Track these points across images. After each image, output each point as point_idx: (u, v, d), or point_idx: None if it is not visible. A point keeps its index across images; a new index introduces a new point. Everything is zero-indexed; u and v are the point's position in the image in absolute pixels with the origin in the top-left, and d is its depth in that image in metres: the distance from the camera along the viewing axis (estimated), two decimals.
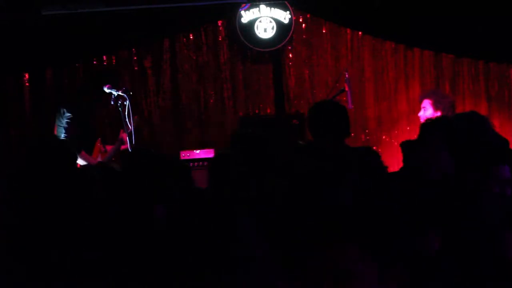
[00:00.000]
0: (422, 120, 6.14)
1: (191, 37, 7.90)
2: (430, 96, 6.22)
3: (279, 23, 7.76)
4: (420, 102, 6.26)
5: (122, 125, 5.89)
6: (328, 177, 3.13)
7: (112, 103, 5.89)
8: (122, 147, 6.18)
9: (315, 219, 2.46)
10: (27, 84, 7.67)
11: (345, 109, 4.38)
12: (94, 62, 7.76)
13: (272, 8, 7.77)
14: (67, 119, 5.96)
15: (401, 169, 3.71)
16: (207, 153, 7.00)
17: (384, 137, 7.96)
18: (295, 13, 7.81)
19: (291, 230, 2.61)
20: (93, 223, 3.08)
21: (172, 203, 3.27)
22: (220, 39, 7.89)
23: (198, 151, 7.09)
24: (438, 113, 6.11)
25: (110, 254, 2.96)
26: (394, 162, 7.90)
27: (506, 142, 3.58)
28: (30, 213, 3.14)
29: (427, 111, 6.15)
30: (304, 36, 7.93)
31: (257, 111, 7.95)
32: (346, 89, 6.60)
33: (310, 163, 3.34)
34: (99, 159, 6.06)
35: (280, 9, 7.77)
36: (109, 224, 3.10)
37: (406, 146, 3.65)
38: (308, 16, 7.94)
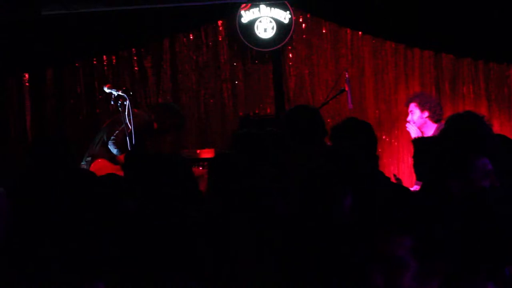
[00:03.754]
0: (412, 124, 6.18)
1: (191, 37, 7.90)
2: (415, 99, 6.28)
3: (279, 23, 7.77)
4: (407, 107, 6.31)
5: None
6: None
7: (112, 103, 5.90)
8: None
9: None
10: (27, 84, 7.67)
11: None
12: (94, 62, 7.77)
13: (272, 8, 7.77)
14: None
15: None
16: (207, 153, 7.00)
17: (384, 137, 7.96)
18: (295, 13, 7.81)
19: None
20: (93, 222, 3.09)
21: (171, 203, 3.27)
22: (220, 39, 7.89)
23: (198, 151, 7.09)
24: (426, 113, 6.15)
25: (109, 253, 2.96)
26: (393, 162, 7.94)
27: (505, 140, 3.58)
28: (31, 212, 3.14)
29: (414, 114, 6.19)
30: (304, 36, 7.93)
31: (257, 111, 7.95)
32: (346, 89, 6.61)
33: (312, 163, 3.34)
34: None
35: (280, 9, 7.77)
36: (108, 223, 3.11)
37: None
38: (308, 16, 7.94)
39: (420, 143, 4.16)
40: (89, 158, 6.32)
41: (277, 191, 3.32)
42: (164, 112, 6.51)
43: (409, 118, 6.25)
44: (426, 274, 2.06)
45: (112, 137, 6.15)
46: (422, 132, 6.15)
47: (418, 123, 6.16)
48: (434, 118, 6.15)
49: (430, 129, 6.08)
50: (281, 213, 3.16)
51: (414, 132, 6.17)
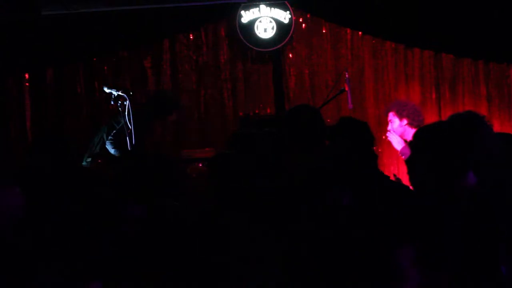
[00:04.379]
0: (393, 133, 6.17)
1: (191, 37, 7.90)
2: (392, 108, 6.25)
3: (279, 23, 7.77)
4: (386, 116, 6.29)
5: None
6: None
7: (112, 103, 5.90)
8: None
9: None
10: (27, 84, 7.67)
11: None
12: (94, 62, 7.76)
13: (272, 8, 7.77)
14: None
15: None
16: (207, 153, 6.99)
17: (384, 137, 7.95)
18: (295, 13, 7.81)
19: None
20: (93, 221, 3.09)
21: (170, 203, 3.27)
22: (220, 39, 7.90)
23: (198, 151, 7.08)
24: (405, 121, 6.13)
25: (109, 253, 2.96)
26: (393, 162, 7.94)
27: (508, 139, 3.57)
28: (31, 212, 3.14)
29: (394, 123, 6.18)
30: (304, 36, 7.93)
31: (257, 111, 7.95)
32: (346, 89, 6.60)
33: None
34: None
35: (280, 9, 7.78)
36: (108, 223, 3.11)
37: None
38: (308, 16, 7.94)
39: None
40: (89, 159, 6.32)
41: (277, 191, 3.32)
42: (159, 97, 6.54)
43: (389, 127, 6.25)
44: (428, 281, 2.06)
45: (110, 137, 6.15)
46: (404, 140, 6.14)
47: (398, 131, 6.17)
48: (414, 124, 6.14)
49: (411, 136, 6.04)
50: (281, 213, 3.16)
51: (396, 142, 6.16)
